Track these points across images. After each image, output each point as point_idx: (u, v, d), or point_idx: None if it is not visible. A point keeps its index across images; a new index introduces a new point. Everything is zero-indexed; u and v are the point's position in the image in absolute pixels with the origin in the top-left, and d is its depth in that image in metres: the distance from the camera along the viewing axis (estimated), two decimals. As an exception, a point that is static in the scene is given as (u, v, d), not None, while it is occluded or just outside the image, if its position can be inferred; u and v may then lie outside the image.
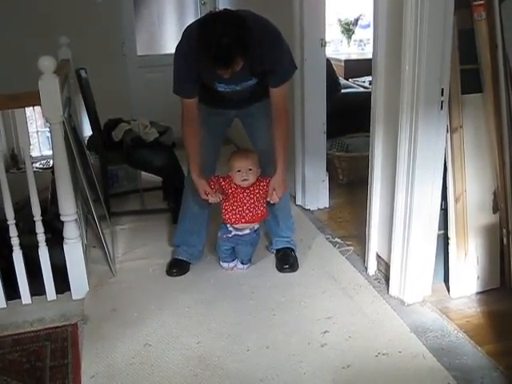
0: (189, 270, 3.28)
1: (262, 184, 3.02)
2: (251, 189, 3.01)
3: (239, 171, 2.96)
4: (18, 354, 2.59)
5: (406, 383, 2.32)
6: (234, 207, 3.03)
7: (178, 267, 3.27)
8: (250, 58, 2.55)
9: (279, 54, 2.74)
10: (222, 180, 3.02)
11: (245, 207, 3.02)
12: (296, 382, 2.35)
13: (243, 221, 3.05)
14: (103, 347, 2.60)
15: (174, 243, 3.45)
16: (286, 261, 3.27)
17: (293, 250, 3.36)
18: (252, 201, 3.02)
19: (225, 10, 2.56)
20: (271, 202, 3.02)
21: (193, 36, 2.55)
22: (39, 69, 2.68)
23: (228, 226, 3.12)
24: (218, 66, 2.49)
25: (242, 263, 3.28)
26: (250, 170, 2.96)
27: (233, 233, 3.12)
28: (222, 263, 3.29)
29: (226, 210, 3.05)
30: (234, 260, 3.28)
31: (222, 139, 3.25)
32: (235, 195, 3.02)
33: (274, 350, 2.54)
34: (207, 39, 2.43)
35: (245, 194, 3.01)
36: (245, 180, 2.97)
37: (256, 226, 3.15)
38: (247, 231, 3.12)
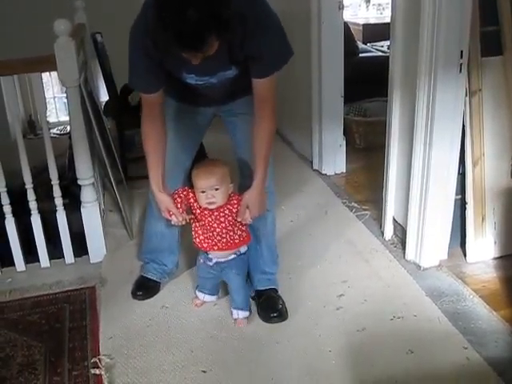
0: (158, 291, 2.76)
1: (233, 202, 2.35)
2: (221, 210, 2.33)
3: (203, 192, 2.30)
4: (38, 315, 2.63)
5: (421, 347, 2.32)
6: (205, 231, 2.39)
7: (144, 289, 2.75)
8: (229, 40, 1.91)
9: (269, 36, 2.05)
10: (191, 195, 2.37)
11: (215, 233, 2.36)
12: (311, 345, 2.36)
13: (215, 248, 2.41)
14: (120, 309, 2.64)
15: (140, 259, 2.96)
16: (274, 308, 2.57)
17: (276, 290, 2.68)
18: (224, 225, 2.35)
19: None
20: (243, 222, 2.35)
21: (151, 11, 1.83)
22: (55, 32, 2.66)
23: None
24: (185, 48, 1.80)
25: (238, 308, 2.53)
26: (217, 189, 2.28)
27: (214, 260, 2.48)
28: (197, 292, 2.66)
29: (197, 232, 2.43)
30: (213, 295, 2.65)
31: (198, 143, 2.66)
32: (202, 218, 2.37)
33: (289, 313, 2.55)
34: (168, 14, 1.73)
35: (213, 217, 2.34)
36: (211, 203, 2.31)
37: (242, 249, 2.50)
38: (232, 256, 2.47)
